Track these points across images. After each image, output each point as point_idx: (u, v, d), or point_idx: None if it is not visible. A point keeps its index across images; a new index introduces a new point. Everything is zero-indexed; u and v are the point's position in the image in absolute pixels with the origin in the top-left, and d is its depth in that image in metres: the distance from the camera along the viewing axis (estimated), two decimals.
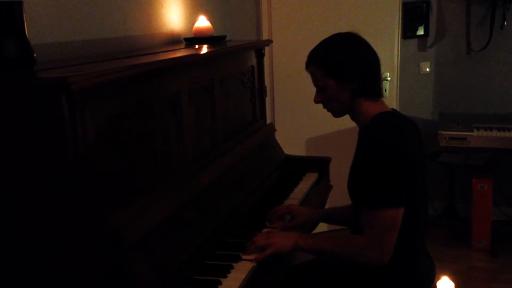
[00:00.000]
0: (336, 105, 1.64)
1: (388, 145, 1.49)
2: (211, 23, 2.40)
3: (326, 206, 2.43)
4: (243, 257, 1.58)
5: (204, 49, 2.04)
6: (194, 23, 2.40)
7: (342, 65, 1.57)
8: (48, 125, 1.16)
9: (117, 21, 2.02)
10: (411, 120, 1.68)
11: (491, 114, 3.54)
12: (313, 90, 1.68)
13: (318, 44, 1.65)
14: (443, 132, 3.22)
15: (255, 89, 2.44)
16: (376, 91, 1.63)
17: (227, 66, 2.10)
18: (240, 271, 1.53)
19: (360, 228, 1.55)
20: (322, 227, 2.80)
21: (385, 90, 3.44)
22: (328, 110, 1.69)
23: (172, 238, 1.51)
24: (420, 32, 3.60)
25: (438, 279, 2.09)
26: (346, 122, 1.76)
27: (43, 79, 1.20)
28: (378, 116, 1.59)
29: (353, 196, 1.65)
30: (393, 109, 1.67)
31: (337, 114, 1.69)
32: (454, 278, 2.20)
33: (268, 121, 2.74)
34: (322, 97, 1.65)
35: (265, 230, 1.80)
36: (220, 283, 1.47)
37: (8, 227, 1.25)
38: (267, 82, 2.88)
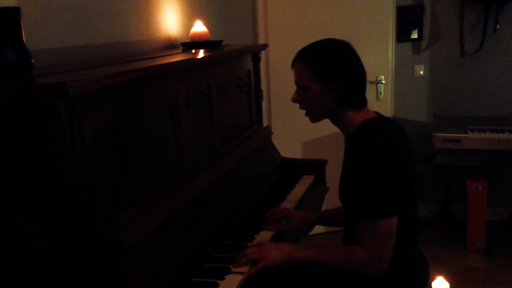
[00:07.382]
0: (315, 108, 1.60)
1: (379, 155, 1.47)
2: (208, 28, 2.42)
3: (323, 208, 2.44)
4: (233, 269, 1.55)
5: (201, 54, 2.06)
6: (190, 28, 2.42)
7: (332, 71, 1.53)
8: (46, 131, 1.17)
9: (114, 27, 2.03)
10: (396, 122, 1.66)
11: (485, 116, 3.57)
12: None
13: (311, 44, 1.61)
14: (438, 134, 3.24)
15: (252, 93, 2.46)
16: (359, 102, 1.59)
17: (223, 70, 2.12)
18: (237, 275, 1.53)
19: (353, 232, 1.56)
20: (318, 228, 2.81)
21: (380, 93, 3.47)
22: (306, 113, 1.64)
23: (170, 242, 1.52)
24: (414, 35, 3.63)
25: (433, 280, 2.10)
26: None
27: (41, 84, 1.21)
28: (365, 124, 1.56)
29: (345, 204, 1.65)
30: (376, 112, 1.64)
31: (314, 118, 1.64)
32: (449, 279, 2.22)
33: (265, 124, 2.76)
34: (301, 97, 1.61)
35: (256, 241, 1.77)
36: (217, 285, 1.48)
37: (7, 231, 1.26)
38: (263, 86, 2.90)
